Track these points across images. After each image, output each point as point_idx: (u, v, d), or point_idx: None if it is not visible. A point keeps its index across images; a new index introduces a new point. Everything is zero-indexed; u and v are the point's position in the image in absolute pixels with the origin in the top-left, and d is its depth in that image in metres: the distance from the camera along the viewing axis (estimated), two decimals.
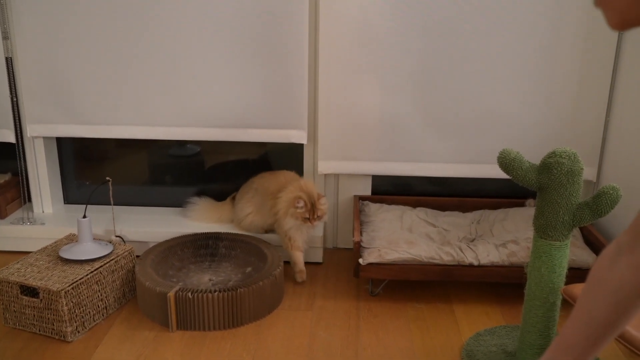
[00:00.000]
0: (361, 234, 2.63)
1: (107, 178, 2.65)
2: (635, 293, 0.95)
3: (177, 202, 3.17)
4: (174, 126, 2.85)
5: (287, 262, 2.83)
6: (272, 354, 2.23)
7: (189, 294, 2.31)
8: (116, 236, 2.81)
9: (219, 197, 3.13)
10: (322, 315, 2.48)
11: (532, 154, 2.68)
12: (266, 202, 2.75)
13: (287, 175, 2.81)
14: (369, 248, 2.52)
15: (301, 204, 2.52)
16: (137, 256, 2.67)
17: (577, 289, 1.72)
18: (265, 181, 2.83)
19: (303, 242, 2.72)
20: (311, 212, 2.54)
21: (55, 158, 3.10)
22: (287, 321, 2.44)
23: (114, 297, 2.48)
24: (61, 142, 3.12)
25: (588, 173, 2.84)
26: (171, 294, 2.31)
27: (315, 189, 2.59)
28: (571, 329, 1.03)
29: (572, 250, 2.48)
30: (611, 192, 1.93)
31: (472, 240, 2.66)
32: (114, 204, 3.03)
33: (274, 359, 2.20)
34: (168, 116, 2.84)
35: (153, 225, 2.93)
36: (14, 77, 2.84)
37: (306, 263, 2.90)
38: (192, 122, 2.84)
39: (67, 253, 2.45)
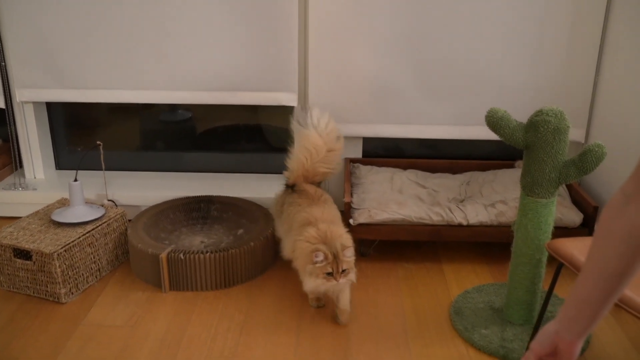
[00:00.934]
0: (352, 196, 2.65)
1: (98, 142, 2.66)
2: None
3: (169, 167, 3.18)
4: (163, 90, 2.85)
5: None
6: (264, 313, 2.26)
7: (181, 255, 2.34)
8: (108, 200, 2.83)
9: (211, 162, 3.14)
10: None
11: (522, 116, 2.68)
12: (290, 233, 2.31)
13: (318, 199, 2.37)
14: (359, 209, 2.55)
15: (320, 257, 2.04)
16: (129, 220, 2.68)
17: (560, 243, 1.75)
18: (294, 201, 2.38)
19: (344, 302, 2.21)
20: (334, 265, 2.05)
21: (45, 124, 3.09)
22: (279, 281, 2.47)
23: (106, 259, 2.50)
24: (52, 108, 3.11)
25: (576, 134, 2.86)
26: (163, 256, 2.34)
27: (340, 237, 2.14)
28: (584, 284, 1.02)
29: (560, 210, 2.51)
30: (596, 149, 1.95)
31: (462, 201, 2.69)
32: (106, 169, 3.04)
33: (266, 317, 2.24)
34: (157, 80, 2.83)
35: (145, 189, 2.94)
36: (1, 42, 2.82)
37: None
38: (182, 85, 2.84)
39: (59, 216, 2.46)
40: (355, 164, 2.95)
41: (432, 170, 2.97)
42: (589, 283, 1.01)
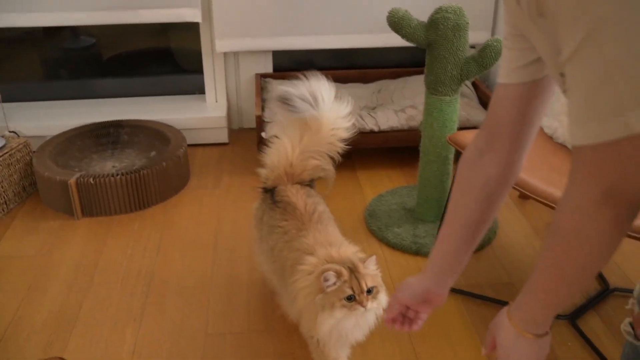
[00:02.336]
0: (263, 110, 2.62)
1: None
2: (501, 185, 1.01)
3: (76, 95, 3.05)
4: (59, 12, 2.69)
5: (194, 145, 2.82)
6: (181, 231, 2.26)
7: (91, 179, 2.28)
8: (10, 132, 2.70)
9: (119, 87, 3.03)
10: (229, 191, 2.51)
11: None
12: (285, 277, 1.58)
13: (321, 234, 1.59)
14: (271, 122, 2.53)
15: (331, 278, 1.39)
16: (34, 152, 2.58)
17: (461, 135, 1.80)
18: (276, 225, 1.65)
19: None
20: (353, 282, 1.39)
21: None
22: (195, 200, 2.46)
23: (12, 191, 2.41)
24: None
25: (482, 36, 2.90)
26: (72, 181, 2.27)
27: (353, 254, 1.49)
28: (447, 238, 1.08)
29: (467, 110, 2.57)
30: (495, 44, 1.98)
31: (373, 109, 2.71)
32: (8, 101, 2.88)
33: (183, 235, 2.23)
34: (52, 1, 2.66)
35: (50, 118, 2.82)
36: None
37: (211, 144, 2.89)
38: (79, 6, 2.68)
39: None
40: (266, 79, 2.91)
41: (344, 81, 2.97)
42: (453, 235, 1.06)
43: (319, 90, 1.74)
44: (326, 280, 1.37)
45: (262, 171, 1.72)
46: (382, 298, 1.44)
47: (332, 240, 1.54)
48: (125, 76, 3.07)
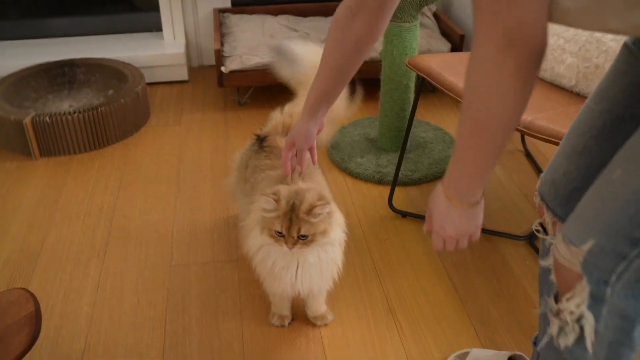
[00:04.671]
0: (223, 45, 2.57)
1: None
2: (367, 43, 1.21)
3: (26, 35, 2.94)
4: None
5: (153, 83, 2.77)
6: (142, 168, 2.23)
7: (47, 118, 2.22)
8: None
9: (73, 26, 2.93)
10: (190, 128, 2.48)
11: None
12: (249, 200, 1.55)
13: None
14: (230, 56, 2.49)
15: (269, 205, 1.32)
16: None
17: (420, 58, 1.79)
18: (260, 165, 1.57)
19: (316, 308, 1.59)
20: (284, 221, 1.32)
21: None
22: (155, 137, 2.42)
23: None
24: None
25: None
26: (27, 120, 2.21)
27: (315, 197, 1.33)
28: (318, 82, 1.29)
29: (428, 41, 2.56)
30: None
31: None
32: None
33: (145, 172, 2.21)
34: None
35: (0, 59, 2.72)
36: None
37: (171, 82, 2.84)
38: None
39: None
40: (225, 14, 2.85)
41: (304, 14, 2.92)
42: (324, 77, 1.28)
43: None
44: (265, 205, 1.32)
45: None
46: (330, 251, 1.38)
47: (314, 185, 1.43)
48: (80, 15, 2.97)
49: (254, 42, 2.55)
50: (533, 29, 0.75)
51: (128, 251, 1.84)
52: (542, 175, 1.12)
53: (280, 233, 1.32)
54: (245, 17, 2.81)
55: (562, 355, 0.98)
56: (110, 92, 2.56)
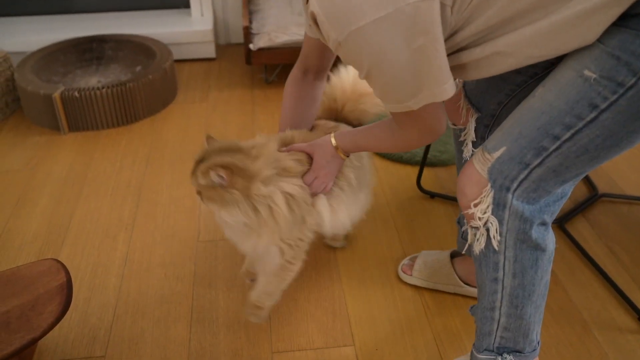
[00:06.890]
0: (251, 22, 2.56)
1: None
2: (317, 95, 1.48)
3: (56, 10, 2.95)
4: None
5: (181, 60, 2.77)
6: (170, 144, 2.23)
7: (76, 92, 2.23)
8: None
9: (101, 1, 2.93)
10: (217, 105, 2.47)
11: None
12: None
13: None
14: (259, 34, 2.47)
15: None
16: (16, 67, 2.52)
17: None
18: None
19: (257, 291, 1.44)
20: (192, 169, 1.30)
21: None
22: (182, 113, 2.42)
23: None
24: None
25: None
26: (56, 95, 2.22)
27: (279, 160, 1.31)
28: (283, 121, 1.49)
29: None
30: None
31: None
32: None
33: (172, 148, 2.21)
34: None
35: (30, 33, 2.73)
36: None
37: (198, 59, 2.84)
38: None
39: None
40: None
41: None
42: (289, 121, 1.46)
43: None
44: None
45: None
46: (223, 213, 1.27)
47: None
48: None
49: (283, 19, 2.53)
50: (427, 128, 1.12)
51: (156, 226, 1.84)
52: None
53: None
54: None
55: (480, 263, 1.14)
56: (138, 68, 2.56)
